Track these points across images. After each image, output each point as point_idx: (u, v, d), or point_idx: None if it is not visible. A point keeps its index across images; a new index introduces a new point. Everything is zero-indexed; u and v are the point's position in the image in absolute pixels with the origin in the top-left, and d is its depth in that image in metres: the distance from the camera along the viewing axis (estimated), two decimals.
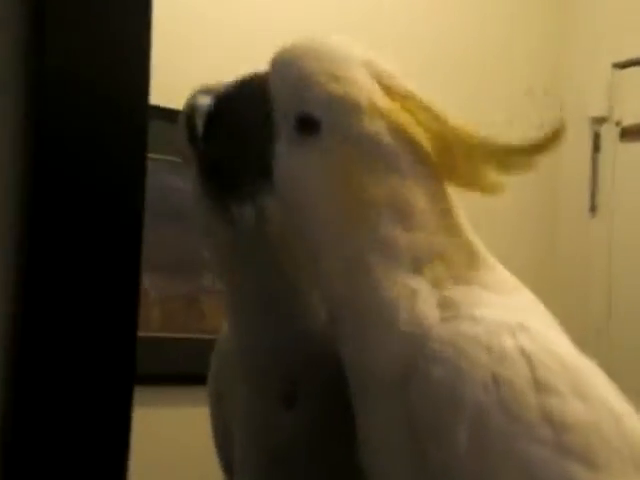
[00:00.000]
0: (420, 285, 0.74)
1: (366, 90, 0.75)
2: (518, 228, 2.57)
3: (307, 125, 0.75)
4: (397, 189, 0.75)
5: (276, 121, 0.78)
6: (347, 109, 0.74)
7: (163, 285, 2.20)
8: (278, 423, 0.92)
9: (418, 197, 0.76)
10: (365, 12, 2.43)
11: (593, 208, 2.66)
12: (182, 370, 2.09)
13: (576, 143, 2.65)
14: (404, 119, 0.75)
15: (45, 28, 0.95)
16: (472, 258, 0.78)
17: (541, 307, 0.79)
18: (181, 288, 2.23)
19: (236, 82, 0.81)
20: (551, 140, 0.72)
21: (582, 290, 2.67)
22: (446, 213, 0.78)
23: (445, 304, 0.74)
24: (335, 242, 0.77)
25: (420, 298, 0.74)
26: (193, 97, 0.92)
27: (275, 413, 0.92)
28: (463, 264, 0.77)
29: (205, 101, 0.89)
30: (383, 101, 0.75)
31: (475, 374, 0.68)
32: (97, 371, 0.97)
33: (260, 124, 0.79)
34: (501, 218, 2.41)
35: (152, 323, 2.17)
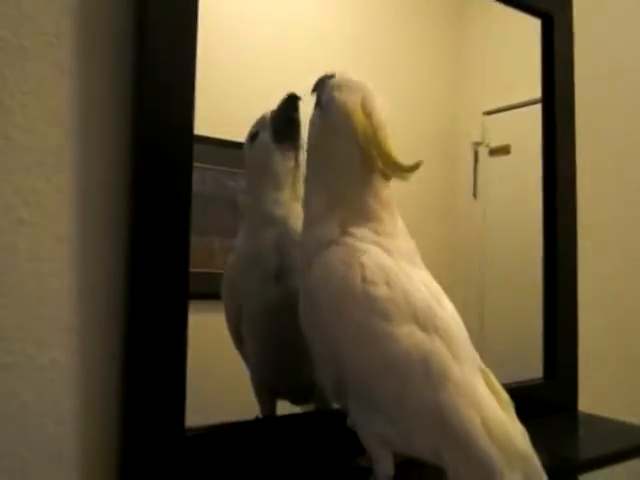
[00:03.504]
0: (335, 215, 1.02)
1: (352, 105, 1.02)
2: (428, 207, 2.82)
3: (319, 102, 1.06)
4: (345, 156, 1.03)
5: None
6: (333, 106, 1.03)
7: None
8: (271, 293, 1.15)
9: (353, 166, 1.03)
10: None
11: (475, 194, 3.31)
12: None
13: (464, 157, 3.23)
14: (365, 132, 1.02)
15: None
16: (380, 218, 1.03)
17: (409, 249, 1.05)
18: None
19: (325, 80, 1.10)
20: (414, 168, 0.99)
21: (468, 249, 3.01)
22: (371, 187, 1.03)
23: (343, 231, 1.01)
24: (315, 173, 1.06)
25: (334, 221, 1.02)
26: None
27: (270, 286, 1.15)
28: (371, 219, 1.03)
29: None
30: (360, 117, 1.02)
31: (333, 279, 0.97)
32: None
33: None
34: (414, 202, 2.31)
35: None
